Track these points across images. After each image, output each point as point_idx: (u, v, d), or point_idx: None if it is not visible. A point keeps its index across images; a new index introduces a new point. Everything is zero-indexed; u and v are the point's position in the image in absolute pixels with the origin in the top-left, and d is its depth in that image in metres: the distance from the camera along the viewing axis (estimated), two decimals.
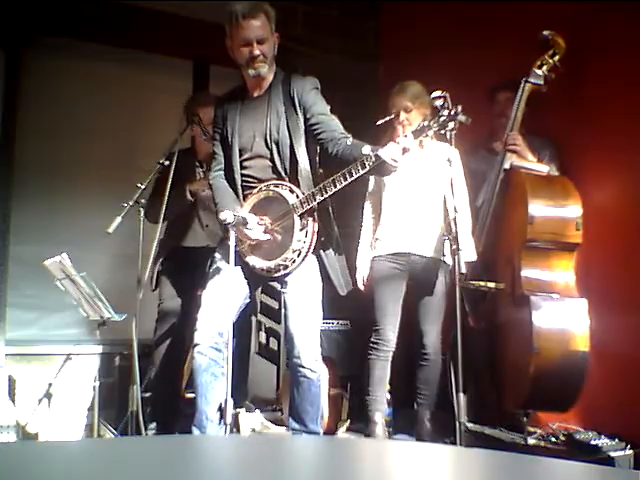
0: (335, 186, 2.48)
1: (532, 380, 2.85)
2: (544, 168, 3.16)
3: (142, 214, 2.91)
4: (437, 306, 3.17)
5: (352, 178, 2.45)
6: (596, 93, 3.20)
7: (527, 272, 3.03)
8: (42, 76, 4.03)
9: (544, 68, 3.13)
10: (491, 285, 3.12)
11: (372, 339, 3.17)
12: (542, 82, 3.13)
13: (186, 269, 3.30)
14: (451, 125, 2.37)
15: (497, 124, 3.35)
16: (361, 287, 3.25)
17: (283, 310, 2.73)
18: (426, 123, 2.40)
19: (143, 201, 2.91)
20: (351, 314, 3.74)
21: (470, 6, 3.80)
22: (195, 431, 2.57)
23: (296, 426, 2.64)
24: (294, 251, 2.58)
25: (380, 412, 3.14)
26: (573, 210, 3.04)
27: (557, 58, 3.12)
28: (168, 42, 4.17)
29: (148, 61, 4.26)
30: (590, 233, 3.04)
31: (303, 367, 2.60)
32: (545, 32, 3.11)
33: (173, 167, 2.94)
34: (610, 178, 3.20)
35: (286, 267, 2.61)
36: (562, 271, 3.06)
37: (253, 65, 2.63)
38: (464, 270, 2.59)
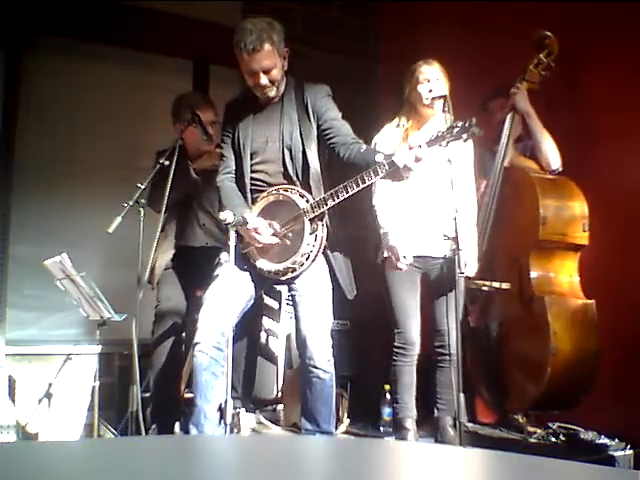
0: (347, 192, 2.51)
1: (548, 381, 2.86)
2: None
3: (142, 213, 2.90)
4: (458, 304, 2.89)
5: (364, 185, 2.48)
6: (592, 93, 3.23)
7: (537, 273, 3.04)
8: (42, 76, 4.02)
9: (539, 67, 3.16)
10: (496, 285, 3.11)
11: (396, 344, 3.01)
12: (537, 80, 3.18)
13: (184, 269, 3.30)
14: (464, 137, 2.39)
15: (498, 130, 3.32)
16: (403, 266, 2.91)
17: (294, 312, 2.75)
18: (440, 133, 2.41)
19: (143, 201, 2.90)
20: (351, 314, 3.73)
21: (470, 6, 3.81)
22: (192, 429, 2.57)
23: (309, 426, 2.65)
24: (303, 254, 2.61)
25: (411, 418, 3.00)
26: (580, 211, 3.05)
27: (552, 57, 3.15)
28: (168, 42, 4.17)
29: (148, 61, 4.26)
30: (591, 235, 3.05)
31: (316, 368, 2.62)
32: (540, 32, 3.15)
33: (173, 167, 2.94)
34: (608, 177, 3.22)
35: (294, 270, 2.63)
36: (568, 272, 3.08)
37: (261, 91, 2.67)
38: (464, 270, 2.59)
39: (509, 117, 3.20)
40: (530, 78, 3.17)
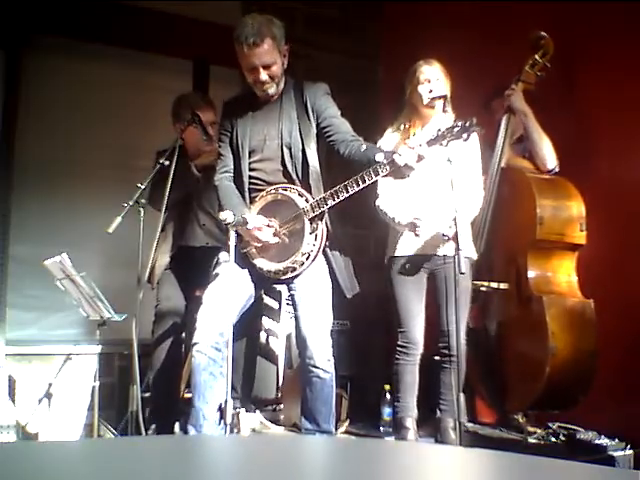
0: (347, 191, 2.51)
1: (547, 380, 2.87)
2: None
3: (142, 213, 2.91)
4: (462, 304, 2.86)
5: (365, 184, 2.48)
6: (591, 93, 3.24)
7: (535, 273, 3.04)
8: (42, 76, 4.02)
9: (535, 68, 3.17)
10: (494, 285, 3.11)
11: (399, 343, 3.00)
12: (533, 81, 3.18)
13: (184, 269, 3.30)
14: (465, 136, 2.39)
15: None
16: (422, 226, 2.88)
17: (294, 311, 2.75)
18: (440, 133, 2.41)
19: (143, 201, 2.90)
20: (351, 314, 3.74)
21: (470, 7, 3.81)
22: (191, 430, 2.57)
23: (309, 426, 2.66)
24: (303, 254, 2.61)
25: (411, 418, 2.99)
26: (578, 211, 3.06)
27: (547, 58, 3.16)
28: (168, 42, 4.17)
29: (148, 61, 4.26)
30: (589, 234, 3.06)
31: (316, 367, 2.62)
32: (535, 32, 3.15)
33: (173, 167, 2.94)
34: (607, 177, 3.23)
35: (294, 269, 2.63)
36: (566, 272, 3.09)
37: (261, 88, 2.66)
38: (464, 270, 2.59)
39: (505, 118, 3.20)
40: (526, 79, 3.18)
